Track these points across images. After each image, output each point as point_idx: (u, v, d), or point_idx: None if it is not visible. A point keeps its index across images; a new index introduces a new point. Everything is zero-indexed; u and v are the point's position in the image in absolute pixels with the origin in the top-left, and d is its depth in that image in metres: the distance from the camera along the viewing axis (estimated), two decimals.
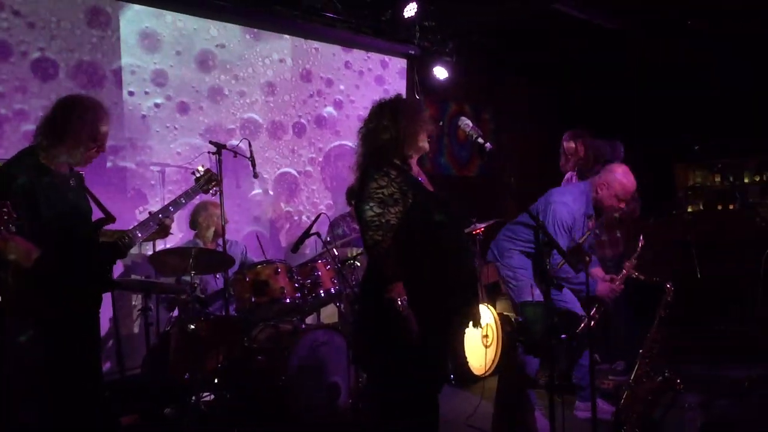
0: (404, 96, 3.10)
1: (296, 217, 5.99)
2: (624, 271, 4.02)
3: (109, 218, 3.21)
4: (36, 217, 2.91)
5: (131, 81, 4.94)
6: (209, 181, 3.71)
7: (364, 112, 3.05)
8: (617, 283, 4.03)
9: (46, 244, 2.90)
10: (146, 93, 5.03)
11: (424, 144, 2.93)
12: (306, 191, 6.08)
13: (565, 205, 4.01)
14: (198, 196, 3.75)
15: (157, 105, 5.09)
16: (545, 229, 3.05)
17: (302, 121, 6.05)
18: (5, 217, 2.53)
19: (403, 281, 2.69)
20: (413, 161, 2.95)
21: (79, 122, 3.05)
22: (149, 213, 3.63)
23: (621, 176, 4.00)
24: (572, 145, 5.12)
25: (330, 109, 6.28)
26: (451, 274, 2.79)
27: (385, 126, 2.84)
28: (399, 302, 2.63)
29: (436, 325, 2.75)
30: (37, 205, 2.93)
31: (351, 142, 6.35)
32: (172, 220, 3.47)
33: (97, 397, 3.19)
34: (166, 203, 3.53)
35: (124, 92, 4.90)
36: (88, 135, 3.08)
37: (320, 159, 6.20)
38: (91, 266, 3.08)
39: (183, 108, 5.23)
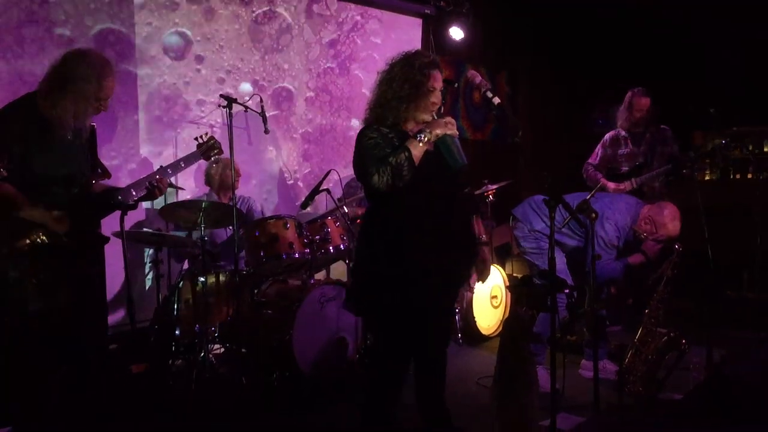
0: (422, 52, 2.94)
1: (309, 178, 5.98)
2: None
3: (103, 174, 3.22)
4: (27, 168, 2.89)
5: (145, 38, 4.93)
6: (211, 148, 3.83)
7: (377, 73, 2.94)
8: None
9: (34, 196, 2.90)
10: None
11: (431, 102, 2.80)
12: (319, 152, 6.07)
13: (614, 224, 3.99)
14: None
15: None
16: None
17: (315, 81, 6.01)
18: None
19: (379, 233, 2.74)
20: (416, 119, 2.84)
21: (83, 78, 3.01)
22: (161, 167, 3.64)
23: (669, 221, 3.91)
24: (648, 101, 5.13)
25: (342, 67, 6.23)
26: (426, 229, 2.74)
27: (391, 77, 2.80)
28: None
29: (403, 279, 2.71)
30: (29, 155, 2.91)
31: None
32: (167, 184, 3.47)
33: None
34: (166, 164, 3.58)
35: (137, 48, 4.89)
36: (91, 92, 3.04)
37: (332, 120, 6.17)
38: (78, 221, 3.06)
39: (196, 63, 5.22)
